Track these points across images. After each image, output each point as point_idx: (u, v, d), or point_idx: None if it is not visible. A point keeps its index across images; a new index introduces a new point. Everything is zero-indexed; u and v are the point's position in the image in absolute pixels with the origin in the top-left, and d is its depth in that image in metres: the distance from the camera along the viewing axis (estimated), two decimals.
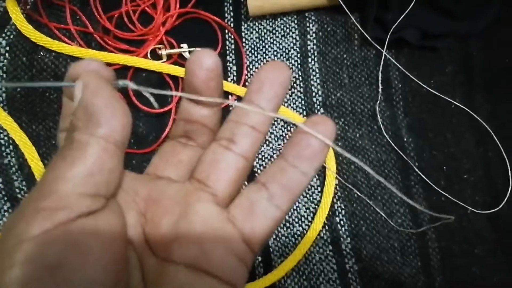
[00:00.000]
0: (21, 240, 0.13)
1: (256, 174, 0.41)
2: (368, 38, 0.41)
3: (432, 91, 0.42)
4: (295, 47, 0.43)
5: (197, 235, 0.16)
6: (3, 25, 0.40)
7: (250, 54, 0.43)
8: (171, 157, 0.19)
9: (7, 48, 0.40)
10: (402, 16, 0.40)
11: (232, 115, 0.17)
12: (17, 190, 0.39)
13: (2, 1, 0.40)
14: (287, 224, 0.40)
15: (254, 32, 0.43)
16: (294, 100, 0.42)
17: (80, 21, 0.42)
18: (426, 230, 0.40)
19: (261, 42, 0.43)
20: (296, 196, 0.17)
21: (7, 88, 0.39)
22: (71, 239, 0.13)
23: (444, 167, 0.41)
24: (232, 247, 0.16)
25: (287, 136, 0.41)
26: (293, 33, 0.43)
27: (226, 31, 0.43)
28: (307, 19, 0.43)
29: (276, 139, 0.41)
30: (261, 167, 0.41)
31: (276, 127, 0.42)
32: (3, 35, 0.40)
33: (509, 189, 0.40)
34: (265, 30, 0.43)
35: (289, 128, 0.42)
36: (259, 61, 0.43)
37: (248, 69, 0.42)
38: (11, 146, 0.39)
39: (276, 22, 0.43)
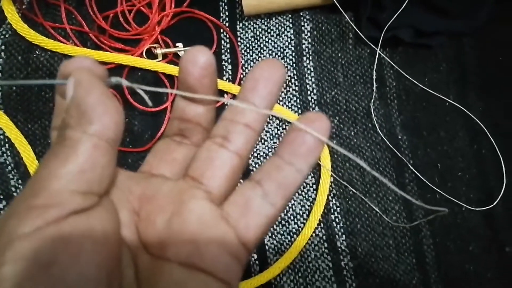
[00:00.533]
0: (13, 238, 0.13)
1: (252, 173, 0.41)
2: (363, 36, 0.42)
3: (426, 89, 0.42)
4: (290, 46, 0.43)
5: (191, 232, 0.16)
6: None
7: (245, 53, 0.43)
8: (166, 155, 0.19)
9: (3, 47, 0.40)
10: (396, 15, 0.40)
11: (227, 113, 0.17)
12: (13, 189, 0.39)
13: None
14: (283, 222, 0.40)
15: (249, 31, 0.43)
16: (289, 99, 0.42)
17: (76, 21, 0.42)
18: (421, 227, 0.40)
19: (256, 41, 0.43)
20: (290, 193, 0.17)
21: (2, 87, 0.39)
22: (63, 237, 0.13)
23: (439, 165, 0.41)
24: (226, 245, 0.16)
25: (282, 134, 0.41)
26: (288, 32, 0.44)
27: (221, 30, 0.43)
28: (302, 18, 0.44)
29: (271, 138, 0.41)
30: (257, 165, 0.41)
31: (271, 125, 0.42)
32: None
33: (503, 186, 0.40)
34: (260, 29, 0.44)
35: (284, 126, 0.42)
36: (254, 60, 0.43)
37: (243, 68, 0.43)
38: (7, 145, 0.39)
39: (271, 21, 0.44)
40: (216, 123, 0.18)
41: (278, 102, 0.42)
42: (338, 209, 0.40)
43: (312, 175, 0.41)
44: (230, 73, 0.43)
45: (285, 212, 0.40)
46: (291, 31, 0.44)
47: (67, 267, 0.13)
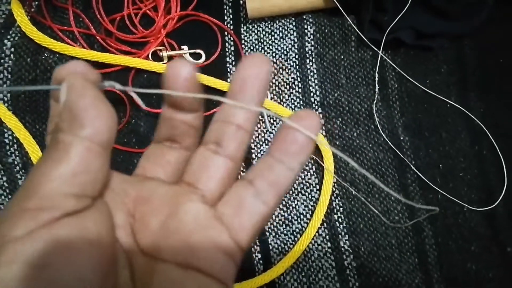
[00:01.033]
0: (6, 241, 0.13)
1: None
2: (365, 39, 0.42)
3: (428, 90, 0.43)
4: (293, 48, 0.44)
5: (186, 233, 0.16)
6: (8, 27, 0.41)
7: None
8: (159, 159, 0.19)
9: (12, 49, 0.41)
10: (398, 18, 0.41)
11: (219, 114, 0.18)
12: None
13: (8, 4, 0.41)
14: (286, 222, 0.40)
15: (253, 34, 0.44)
16: (292, 100, 0.43)
17: (83, 23, 0.43)
18: (423, 227, 0.40)
19: (260, 44, 0.44)
20: (283, 191, 0.17)
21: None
22: (56, 239, 0.13)
23: (440, 165, 0.42)
24: (221, 245, 0.16)
25: None
26: (291, 35, 0.44)
27: (226, 33, 0.44)
28: (305, 21, 0.44)
29: None
30: None
31: (275, 127, 0.42)
32: (8, 36, 0.41)
33: (504, 187, 0.41)
34: (264, 32, 0.44)
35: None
36: None
37: None
38: (15, 145, 0.40)
39: (275, 24, 0.44)
40: (209, 127, 0.18)
41: (282, 104, 0.43)
42: (341, 209, 0.41)
43: (315, 175, 0.41)
44: None
45: (289, 212, 0.41)
46: (294, 34, 0.44)
47: (61, 269, 0.13)
